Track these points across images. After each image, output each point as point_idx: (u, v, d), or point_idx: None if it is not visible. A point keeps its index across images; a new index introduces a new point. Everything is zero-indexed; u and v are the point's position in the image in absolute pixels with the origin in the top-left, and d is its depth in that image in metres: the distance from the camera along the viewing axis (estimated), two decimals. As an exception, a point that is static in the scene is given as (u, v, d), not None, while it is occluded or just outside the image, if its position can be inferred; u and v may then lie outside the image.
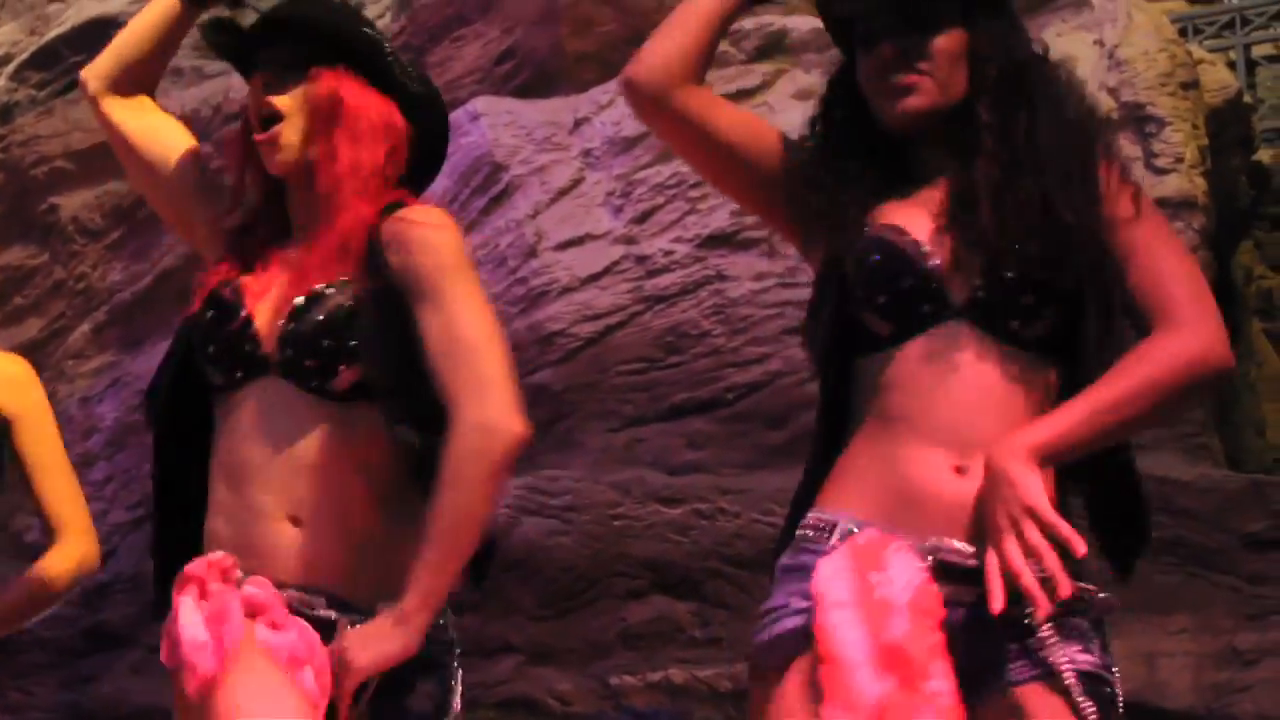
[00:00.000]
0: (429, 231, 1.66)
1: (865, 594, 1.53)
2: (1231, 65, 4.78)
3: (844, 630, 1.52)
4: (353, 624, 1.64)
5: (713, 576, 4.21)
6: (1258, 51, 4.72)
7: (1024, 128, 1.65)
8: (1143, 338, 1.61)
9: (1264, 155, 4.82)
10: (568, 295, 4.57)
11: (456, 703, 1.71)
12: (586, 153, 4.84)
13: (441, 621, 1.67)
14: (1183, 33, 4.74)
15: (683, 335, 4.37)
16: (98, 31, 6.55)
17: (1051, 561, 1.40)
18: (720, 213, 4.41)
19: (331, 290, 1.65)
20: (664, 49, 1.81)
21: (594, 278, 4.64)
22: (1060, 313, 1.61)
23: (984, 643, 1.52)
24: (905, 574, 1.55)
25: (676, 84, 1.80)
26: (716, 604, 4.23)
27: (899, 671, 1.49)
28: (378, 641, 1.59)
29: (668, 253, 4.64)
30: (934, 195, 1.69)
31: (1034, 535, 1.41)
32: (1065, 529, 1.42)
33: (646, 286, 4.65)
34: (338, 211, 1.69)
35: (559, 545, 4.37)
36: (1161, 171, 4.25)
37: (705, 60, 1.80)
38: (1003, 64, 1.68)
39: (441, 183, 4.80)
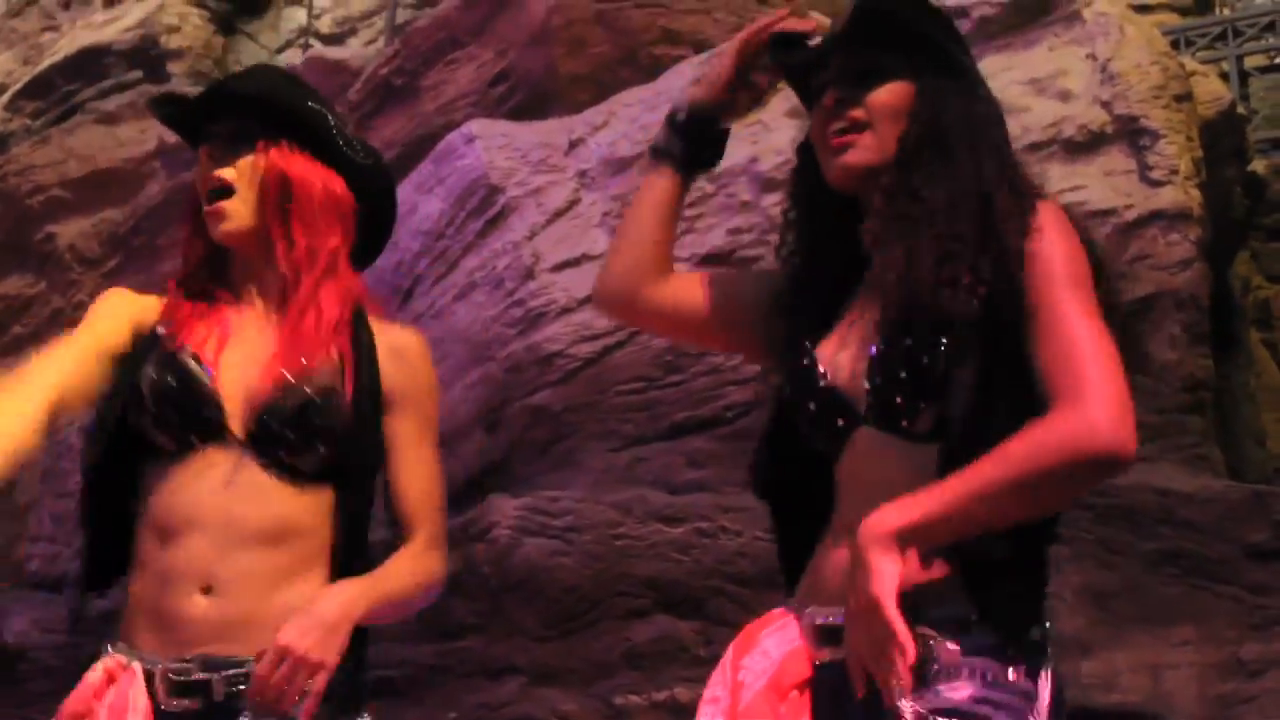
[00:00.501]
0: (426, 362, 1.87)
1: (732, 680, 1.64)
2: (1224, 77, 4.69)
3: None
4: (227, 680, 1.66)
5: (715, 595, 4.15)
6: (1250, 63, 4.68)
7: (921, 197, 1.65)
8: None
9: (1259, 166, 4.74)
10: (566, 316, 4.43)
11: None
12: (582, 174, 4.71)
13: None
14: (1175, 45, 4.60)
15: (681, 354, 4.29)
16: (91, 60, 6.66)
17: (886, 662, 1.42)
18: (717, 231, 4.32)
19: (316, 373, 1.71)
20: (619, 264, 1.89)
21: (585, 299, 4.42)
22: (943, 402, 1.60)
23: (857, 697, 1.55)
24: (778, 647, 1.66)
25: (638, 289, 1.88)
26: (719, 622, 4.11)
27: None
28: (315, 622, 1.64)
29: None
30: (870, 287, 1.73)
31: (876, 630, 1.43)
32: (899, 633, 1.41)
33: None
34: (309, 296, 1.74)
35: (561, 565, 4.22)
36: (1157, 184, 4.03)
37: (665, 251, 1.87)
38: (927, 125, 1.67)
39: (437, 205, 4.85)
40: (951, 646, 1.50)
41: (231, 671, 1.62)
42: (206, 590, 1.69)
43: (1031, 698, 1.51)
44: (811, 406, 1.72)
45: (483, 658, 4.23)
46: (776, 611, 1.73)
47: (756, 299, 1.88)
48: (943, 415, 1.58)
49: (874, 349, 1.63)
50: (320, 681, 1.62)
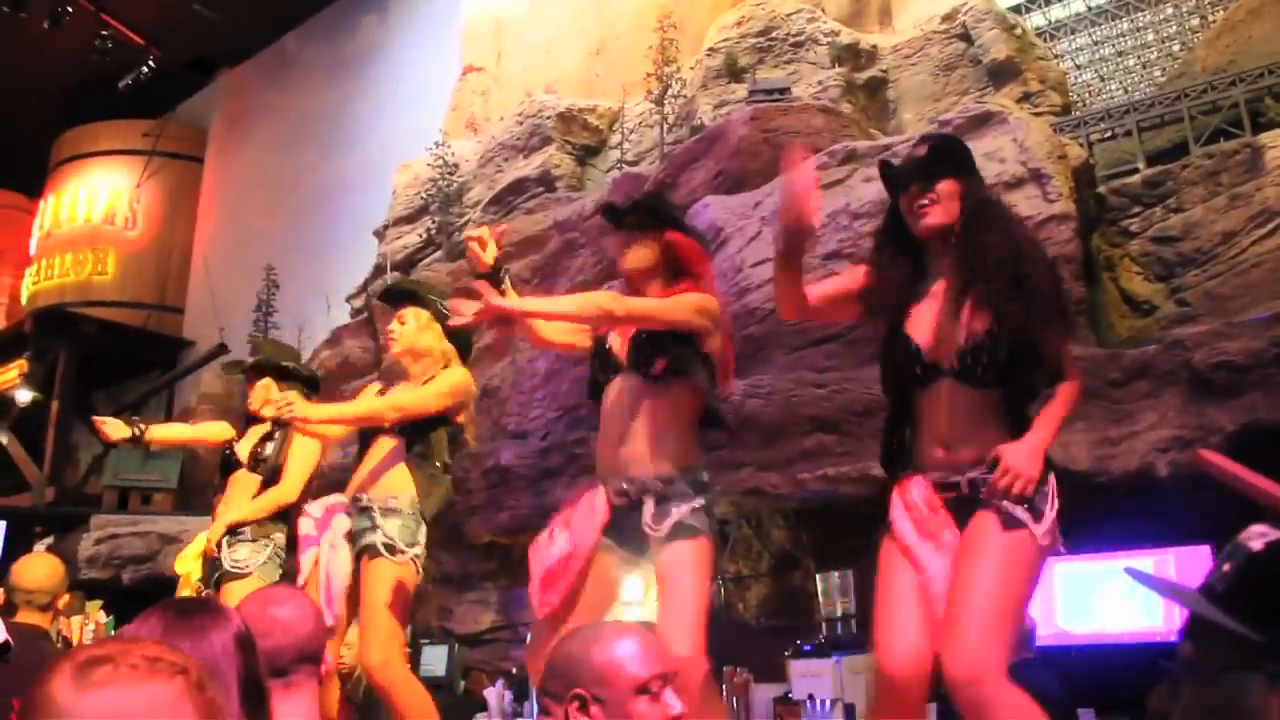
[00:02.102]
0: None
1: (906, 507, 2.40)
2: (1082, 145, 6.35)
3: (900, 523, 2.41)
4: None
5: (846, 421, 5.66)
6: (1095, 136, 6.37)
7: (980, 243, 2.31)
8: (1054, 384, 2.39)
9: (1102, 189, 6.38)
10: (758, 289, 6.28)
11: None
12: (762, 219, 6.50)
13: None
14: (1057, 130, 6.55)
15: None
16: (517, 184, 8.71)
17: (1020, 493, 2.21)
18: (830, 242, 5.95)
19: None
20: (780, 299, 2.63)
21: (768, 281, 5.95)
22: (1003, 368, 2.31)
23: (962, 512, 2.33)
24: (919, 491, 2.45)
25: (800, 308, 2.59)
26: (849, 435, 5.62)
27: (929, 533, 2.33)
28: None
29: (807, 265, 5.22)
30: (939, 288, 2.39)
31: (1025, 485, 2.23)
32: (1027, 490, 2.21)
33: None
34: None
35: (765, 411, 5.81)
36: (1052, 201, 5.81)
37: (801, 283, 2.53)
38: (974, 202, 2.39)
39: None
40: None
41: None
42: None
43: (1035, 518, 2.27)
44: (900, 358, 2.43)
45: (728, 458, 5.90)
46: (912, 479, 2.48)
47: (853, 291, 2.60)
48: (1000, 372, 2.29)
49: (963, 335, 2.32)
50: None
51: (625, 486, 2.83)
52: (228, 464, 4.68)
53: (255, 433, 4.69)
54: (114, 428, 4.61)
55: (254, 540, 4.21)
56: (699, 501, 2.79)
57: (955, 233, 2.41)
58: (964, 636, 2.18)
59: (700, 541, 2.78)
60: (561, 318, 2.96)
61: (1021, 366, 2.35)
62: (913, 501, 2.39)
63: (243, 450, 4.64)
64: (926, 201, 2.42)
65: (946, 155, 2.46)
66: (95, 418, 4.72)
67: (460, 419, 3.72)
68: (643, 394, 2.83)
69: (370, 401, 3.62)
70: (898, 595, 2.37)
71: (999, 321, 2.29)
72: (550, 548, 2.84)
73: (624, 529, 2.81)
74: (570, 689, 1.81)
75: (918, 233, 2.46)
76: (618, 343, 2.96)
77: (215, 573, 4.34)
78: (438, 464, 3.59)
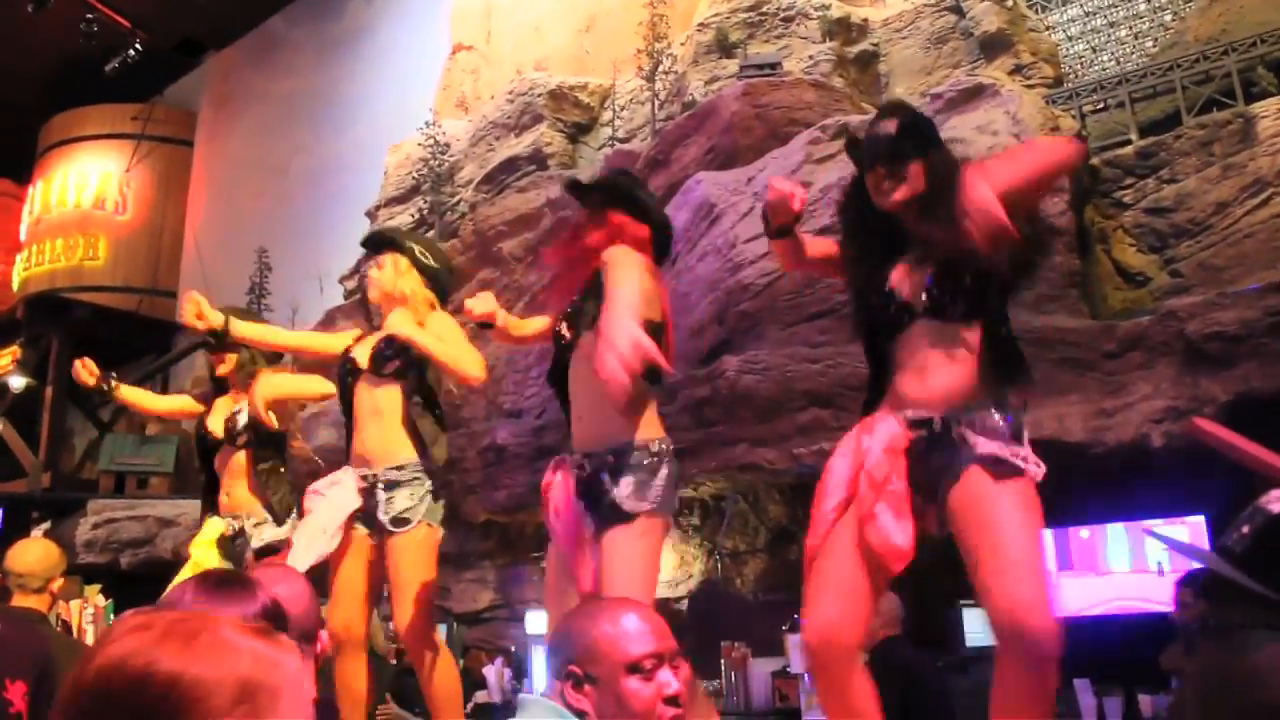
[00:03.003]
0: None
1: (856, 445, 2.39)
2: (1074, 117, 6.70)
3: (836, 464, 2.39)
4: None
5: (840, 396, 5.79)
6: (1087, 108, 6.37)
7: (936, 210, 2.38)
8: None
9: (1095, 160, 6.43)
10: (752, 265, 6.43)
11: None
12: (755, 194, 6.64)
13: None
14: (1049, 102, 6.75)
15: (810, 280, 5.89)
16: (509, 162, 8.69)
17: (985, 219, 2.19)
18: (824, 216, 5.76)
19: None
20: (779, 254, 2.74)
21: (762, 256, 6.38)
22: (971, 297, 2.37)
23: (929, 459, 2.32)
24: (885, 428, 2.40)
25: (798, 259, 2.70)
26: (843, 410, 5.72)
27: (869, 482, 2.31)
28: None
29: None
30: (912, 254, 2.47)
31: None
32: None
33: (791, 256, 6.62)
34: None
35: (760, 387, 5.89)
36: None
37: (802, 251, 2.68)
38: (934, 180, 2.43)
39: (684, 216, 6.84)
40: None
41: None
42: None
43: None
44: (874, 303, 2.50)
45: (725, 436, 6.11)
46: (880, 413, 2.46)
47: (835, 256, 2.71)
48: (970, 302, 2.36)
49: (929, 279, 2.38)
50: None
51: (584, 460, 2.78)
52: (204, 444, 4.53)
53: (222, 405, 4.54)
54: (89, 374, 4.56)
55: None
56: (655, 476, 2.72)
57: (920, 202, 2.44)
58: (1017, 596, 2.16)
59: (652, 520, 2.71)
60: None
61: (990, 292, 2.37)
62: (866, 446, 2.38)
63: (215, 425, 4.48)
64: (892, 182, 2.45)
65: (912, 134, 2.48)
66: (78, 360, 4.62)
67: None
68: (586, 369, 2.73)
69: (468, 352, 3.43)
70: (822, 562, 2.39)
71: (950, 251, 2.34)
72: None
73: (587, 503, 2.76)
74: (565, 665, 1.76)
75: (883, 208, 2.49)
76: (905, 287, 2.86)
77: (239, 549, 4.20)
78: (438, 412, 3.51)
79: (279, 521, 4.21)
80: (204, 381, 5.00)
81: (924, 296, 2.37)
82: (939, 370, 2.37)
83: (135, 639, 0.84)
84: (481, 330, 3.08)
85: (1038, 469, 2.30)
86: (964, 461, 2.29)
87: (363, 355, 3.63)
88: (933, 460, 2.34)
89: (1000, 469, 2.27)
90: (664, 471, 2.76)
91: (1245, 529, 1.20)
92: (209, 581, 1.40)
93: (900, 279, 2.44)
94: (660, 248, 3.00)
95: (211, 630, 0.87)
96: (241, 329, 3.87)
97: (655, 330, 2.68)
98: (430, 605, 3.40)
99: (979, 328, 2.37)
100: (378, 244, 3.74)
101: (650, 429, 2.82)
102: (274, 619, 1.40)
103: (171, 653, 0.83)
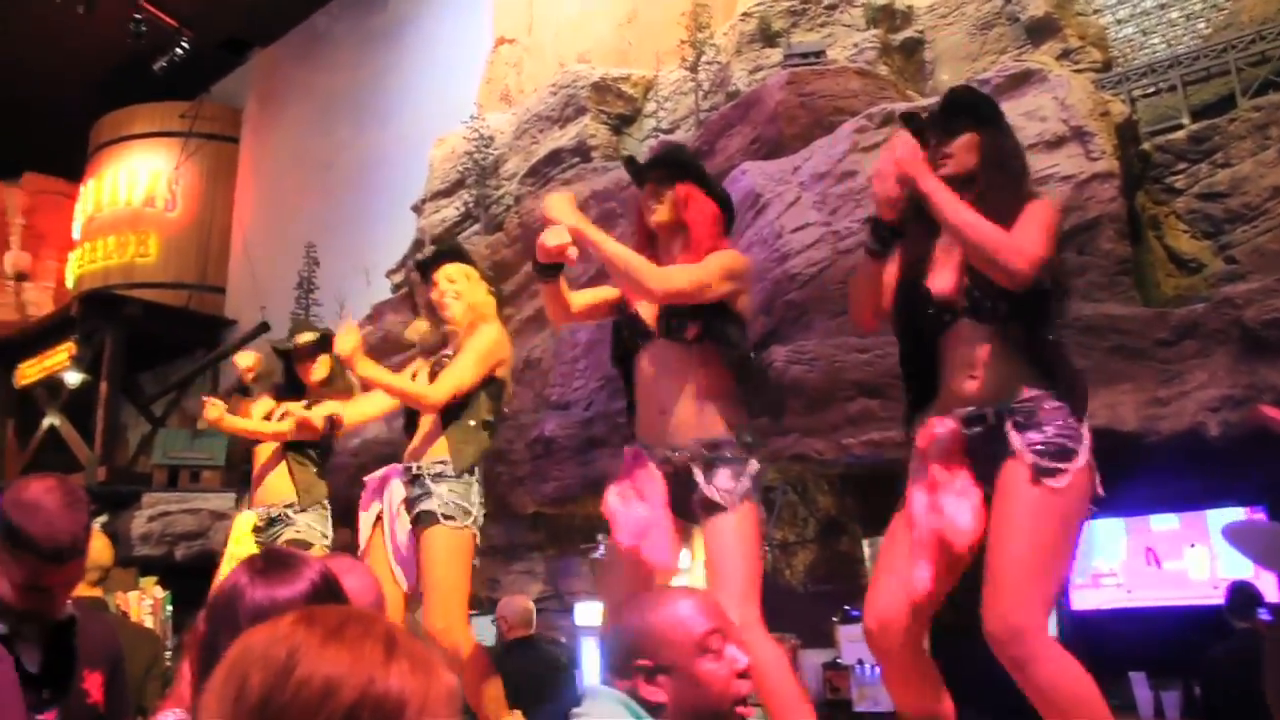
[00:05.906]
0: None
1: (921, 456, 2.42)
2: (1124, 101, 6.42)
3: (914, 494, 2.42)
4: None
5: (889, 387, 5.63)
6: (1137, 92, 6.22)
7: (989, 190, 2.39)
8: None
9: (1146, 146, 6.25)
10: (799, 255, 6.22)
11: None
12: (801, 184, 6.47)
13: None
14: (1098, 87, 6.40)
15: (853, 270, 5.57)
16: (554, 155, 8.60)
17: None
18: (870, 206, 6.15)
19: None
20: (857, 311, 2.74)
21: (809, 246, 6.24)
22: (1012, 299, 2.33)
23: (986, 453, 2.36)
24: (942, 429, 2.44)
25: (871, 320, 2.74)
26: (891, 399, 5.64)
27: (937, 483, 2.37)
28: None
29: (849, 230, 6.06)
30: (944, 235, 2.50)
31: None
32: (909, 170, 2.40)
33: (838, 246, 6.09)
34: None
35: (808, 377, 5.81)
36: (1095, 159, 5.68)
37: (877, 300, 2.64)
38: (989, 156, 2.43)
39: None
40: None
41: None
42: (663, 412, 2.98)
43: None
44: (915, 303, 2.51)
45: (772, 427, 5.94)
46: (935, 418, 2.47)
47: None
48: (1011, 304, 2.34)
49: (967, 279, 2.38)
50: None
51: (671, 455, 2.81)
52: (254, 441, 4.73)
53: (260, 407, 4.72)
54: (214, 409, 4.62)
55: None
56: (746, 467, 2.77)
57: (969, 181, 2.45)
58: (1001, 594, 2.19)
59: (747, 507, 2.77)
60: (611, 267, 2.87)
61: (1030, 295, 2.36)
62: (928, 451, 2.41)
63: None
64: (941, 156, 2.47)
65: (962, 108, 2.50)
66: (206, 397, 4.71)
67: (499, 373, 3.72)
68: (679, 359, 2.82)
69: (418, 388, 3.65)
70: (887, 557, 2.44)
71: None
72: (629, 513, 2.81)
73: (674, 497, 2.81)
74: (632, 662, 1.77)
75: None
76: (647, 310, 2.94)
77: (272, 537, 4.34)
78: (472, 422, 3.59)
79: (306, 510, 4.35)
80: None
81: (966, 299, 2.40)
82: (986, 367, 2.39)
83: (349, 654, 0.80)
84: (543, 276, 2.92)
85: (1085, 481, 2.31)
86: (1005, 455, 2.34)
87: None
88: (986, 451, 2.39)
89: (1038, 469, 2.29)
90: (754, 461, 2.83)
91: None
92: (258, 564, 1.42)
93: (939, 276, 2.46)
94: (730, 219, 3.10)
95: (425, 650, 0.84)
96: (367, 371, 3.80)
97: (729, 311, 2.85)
98: (460, 598, 3.51)
99: (1022, 327, 2.39)
100: (440, 258, 3.79)
101: (739, 421, 2.88)
102: (328, 597, 1.40)
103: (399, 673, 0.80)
